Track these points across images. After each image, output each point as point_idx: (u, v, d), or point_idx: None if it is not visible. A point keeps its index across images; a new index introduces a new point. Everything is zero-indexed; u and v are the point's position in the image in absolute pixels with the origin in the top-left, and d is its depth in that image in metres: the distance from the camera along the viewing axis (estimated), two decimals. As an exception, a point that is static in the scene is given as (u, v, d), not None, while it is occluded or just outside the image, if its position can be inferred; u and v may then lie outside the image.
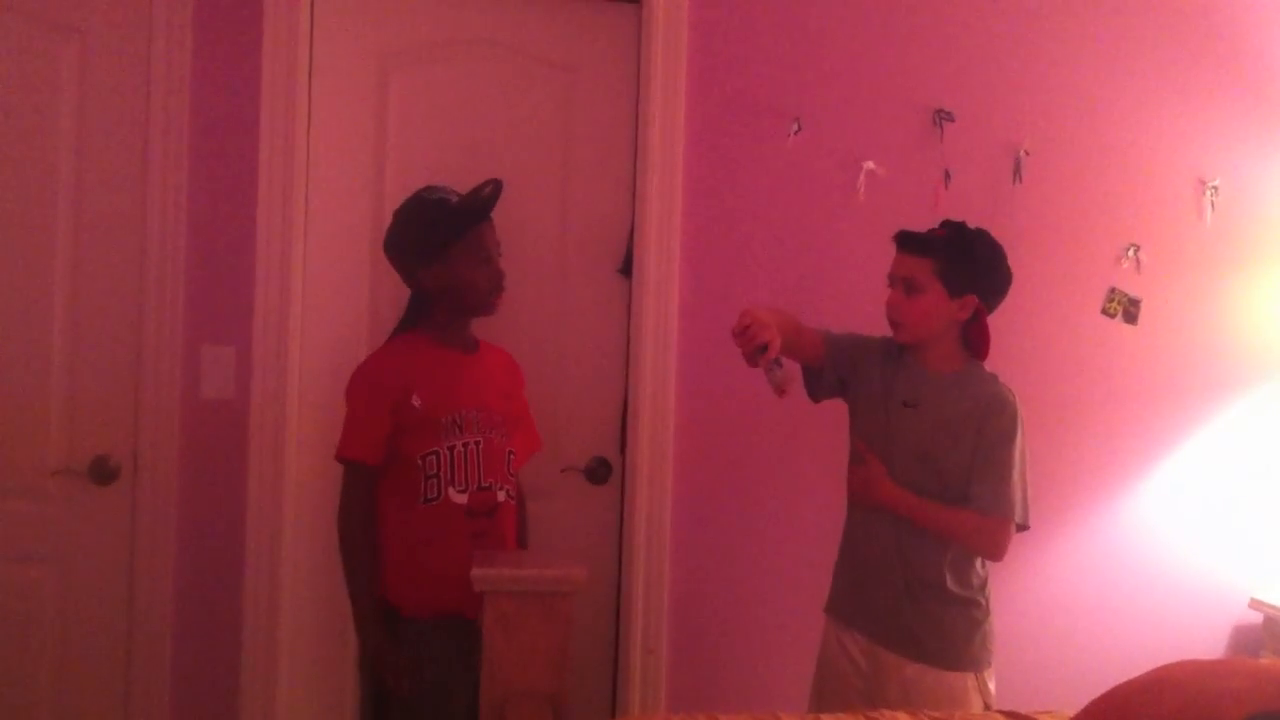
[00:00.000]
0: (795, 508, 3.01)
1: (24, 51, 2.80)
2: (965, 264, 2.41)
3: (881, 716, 2.18)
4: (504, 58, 3.02)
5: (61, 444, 2.82)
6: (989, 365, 2.51)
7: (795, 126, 3.02)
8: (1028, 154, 3.10)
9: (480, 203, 2.60)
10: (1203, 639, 3.22)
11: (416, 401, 2.53)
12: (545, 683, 2.37)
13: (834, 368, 2.58)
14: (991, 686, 2.45)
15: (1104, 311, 3.18)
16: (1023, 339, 3.09)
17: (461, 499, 2.55)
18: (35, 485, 2.82)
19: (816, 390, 2.62)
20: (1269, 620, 3.20)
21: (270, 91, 2.84)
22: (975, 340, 2.48)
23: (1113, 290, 3.18)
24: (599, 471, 3.07)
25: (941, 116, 3.06)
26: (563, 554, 2.75)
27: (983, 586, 2.47)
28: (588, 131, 3.06)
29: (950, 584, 2.42)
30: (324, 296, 2.93)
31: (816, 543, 2.65)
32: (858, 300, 3.03)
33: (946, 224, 2.48)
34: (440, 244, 2.56)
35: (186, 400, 2.84)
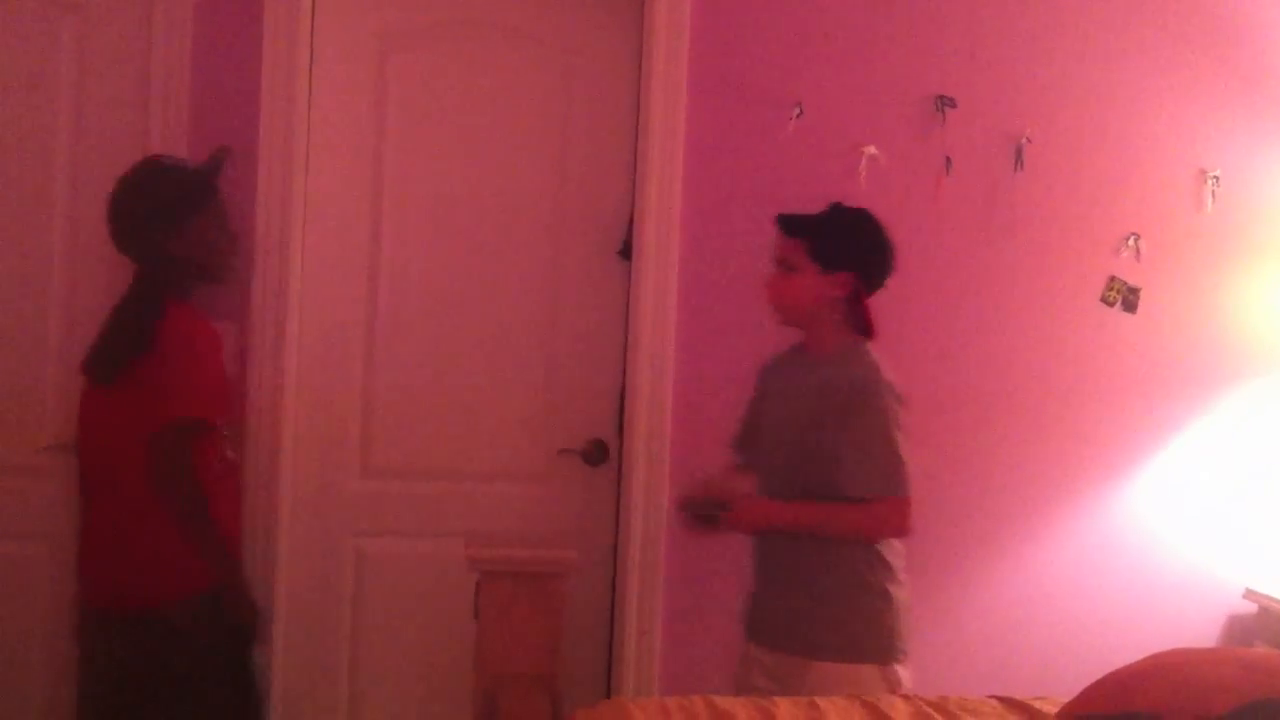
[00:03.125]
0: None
1: (24, 25, 2.79)
2: (838, 241, 2.45)
3: (879, 703, 2.18)
4: (504, 39, 3.01)
5: (55, 421, 2.81)
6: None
7: (797, 111, 3.00)
8: (1029, 141, 3.09)
9: (219, 168, 2.58)
10: (1197, 628, 3.22)
11: None
12: (538, 664, 2.38)
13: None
14: (904, 680, 2.41)
15: (1103, 300, 3.17)
16: (1021, 326, 3.09)
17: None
18: (28, 462, 2.82)
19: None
20: (1263, 610, 3.20)
21: (270, 71, 2.83)
22: (857, 319, 2.50)
23: (1112, 279, 3.17)
24: (596, 453, 3.06)
25: (943, 103, 3.05)
26: (556, 536, 2.76)
27: (889, 577, 2.43)
28: (588, 114, 3.05)
29: (847, 575, 2.41)
30: (323, 275, 2.92)
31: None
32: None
33: (831, 206, 2.50)
34: (191, 209, 2.52)
35: (184, 377, 2.83)
